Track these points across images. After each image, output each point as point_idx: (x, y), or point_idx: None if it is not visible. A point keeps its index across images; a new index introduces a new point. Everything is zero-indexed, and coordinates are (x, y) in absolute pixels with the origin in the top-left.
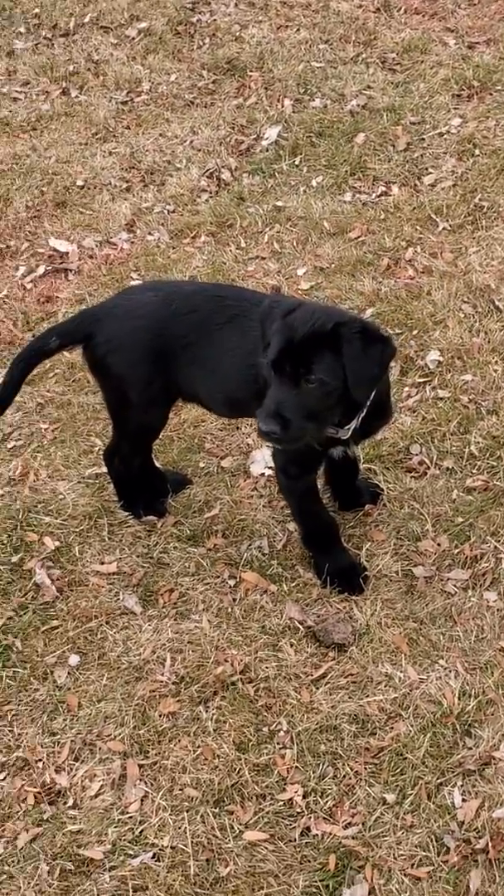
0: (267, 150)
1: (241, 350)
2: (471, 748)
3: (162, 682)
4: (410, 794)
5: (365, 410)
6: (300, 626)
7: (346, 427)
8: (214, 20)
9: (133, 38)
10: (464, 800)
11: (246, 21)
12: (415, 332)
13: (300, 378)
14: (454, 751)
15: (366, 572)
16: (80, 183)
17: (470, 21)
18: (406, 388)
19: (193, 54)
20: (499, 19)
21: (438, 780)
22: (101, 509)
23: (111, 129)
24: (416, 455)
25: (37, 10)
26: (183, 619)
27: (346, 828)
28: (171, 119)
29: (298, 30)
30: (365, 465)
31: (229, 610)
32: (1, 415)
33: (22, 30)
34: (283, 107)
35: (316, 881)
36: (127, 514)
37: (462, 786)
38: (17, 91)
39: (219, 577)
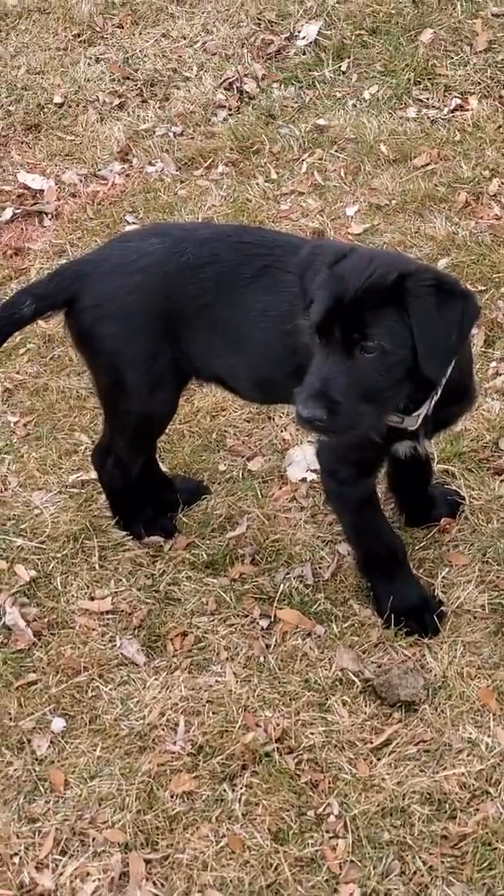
0: (304, 53)
1: (274, 312)
2: None
3: (174, 753)
4: (501, 894)
5: (439, 392)
6: (356, 680)
7: (415, 414)
8: None
9: None
10: None
11: None
12: (502, 290)
13: (354, 346)
14: None
15: (442, 607)
16: (57, 100)
17: None
18: (493, 364)
19: None
20: None
21: None
22: (90, 528)
23: (98, 29)
24: None
25: None
26: (200, 672)
27: None
28: (176, 14)
29: None
30: (440, 465)
31: (261, 659)
32: None
33: None
34: None
35: None
36: (124, 533)
37: None
38: None
39: (247, 616)
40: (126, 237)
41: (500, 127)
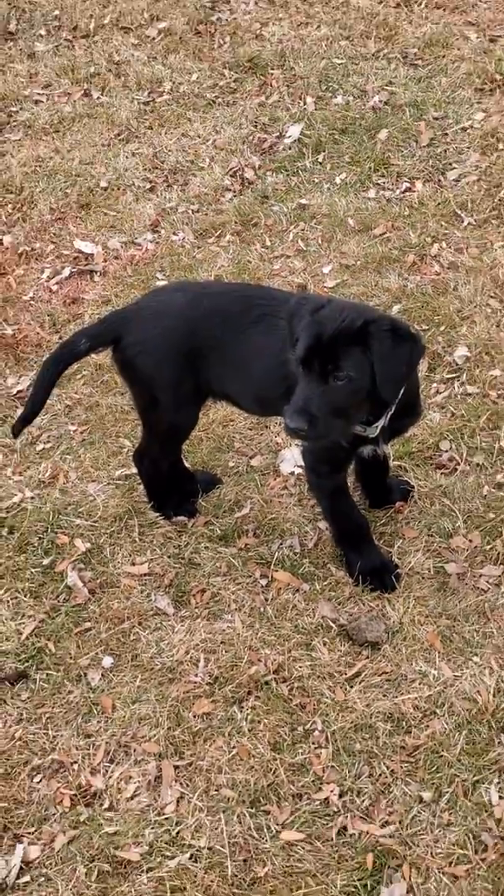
0: (290, 148)
1: (269, 349)
2: None
3: (196, 682)
4: (447, 792)
5: (393, 408)
6: (333, 625)
7: (375, 425)
8: (234, 18)
9: (153, 39)
10: (501, 797)
11: (266, 19)
12: (442, 328)
13: (328, 375)
14: (490, 748)
15: (398, 570)
16: (103, 184)
17: (491, 14)
18: (434, 385)
19: (214, 53)
20: None
21: (475, 778)
22: (132, 510)
23: (133, 130)
24: (446, 452)
25: (57, 13)
26: (215, 620)
27: (382, 826)
28: (193, 118)
29: (319, 27)
30: (395, 462)
31: (261, 609)
32: (33, 419)
33: (42, 32)
34: (305, 104)
35: (354, 880)
36: (157, 514)
37: (499, 783)
38: (38, 93)
39: (250, 576)
40: (157, 292)
41: (438, 204)
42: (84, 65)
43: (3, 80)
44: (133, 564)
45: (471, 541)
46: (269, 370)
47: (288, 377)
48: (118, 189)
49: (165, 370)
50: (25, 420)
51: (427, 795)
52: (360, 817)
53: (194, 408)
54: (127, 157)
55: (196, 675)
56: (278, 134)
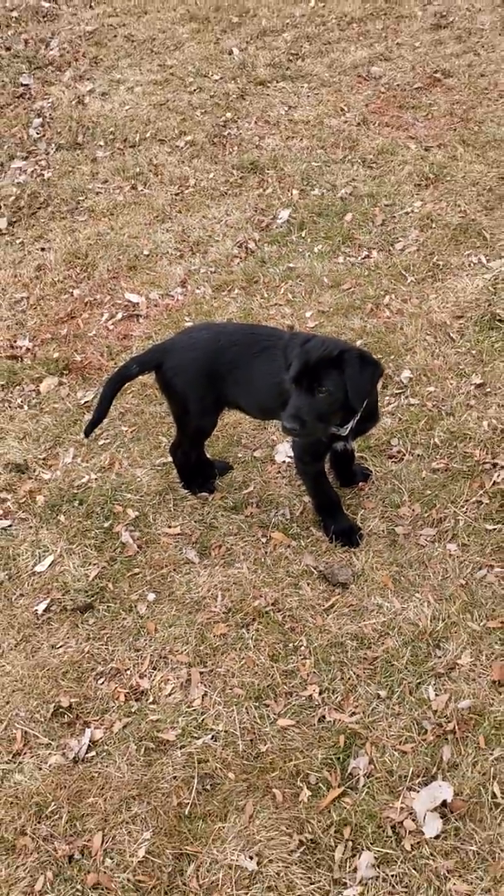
0: (281, 227)
1: (269, 372)
2: (440, 657)
3: (215, 612)
4: (397, 691)
5: (359, 415)
6: (314, 571)
7: (346, 426)
8: (240, 133)
9: (181, 147)
10: (436, 694)
11: (263, 134)
12: (392, 357)
13: (314, 390)
14: (428, 659)
15: (361, 531)
16: (146, 252)
17: (426, 131)
18: (387, 398)
19: (225, 158)
20: (447, 129)
21: (418, 681)
22: (168, 488)
23: (167, 214)
24: (396, 446)
25: (112, 129)
26: (229, 567)
27: (351, 716)
28: (210, 205)
29: (301, 139)
30: (358, 454)
31: (263, 560)
32: (100, 423)
33: (101, 143)
34: (292, 195)
35: (330, 755)
36: (186, 491)
37: (435, 684)
38: (98, 187)
39: (254, 536)
40: (188, 330)
41: (389, 267)
42: (131, 166)
43: (73, 177)
44: (169, 527)
45: (413, 510)
46: (269, 388)
47: (282, 393)
48: (157, 256)
49: (194, 387)
50: (94, 424)
51: (383, 693)
52: (335, 709)
53: (214, 415)
54: (163, 234)
55: (215, 607)
56: (272, 216)
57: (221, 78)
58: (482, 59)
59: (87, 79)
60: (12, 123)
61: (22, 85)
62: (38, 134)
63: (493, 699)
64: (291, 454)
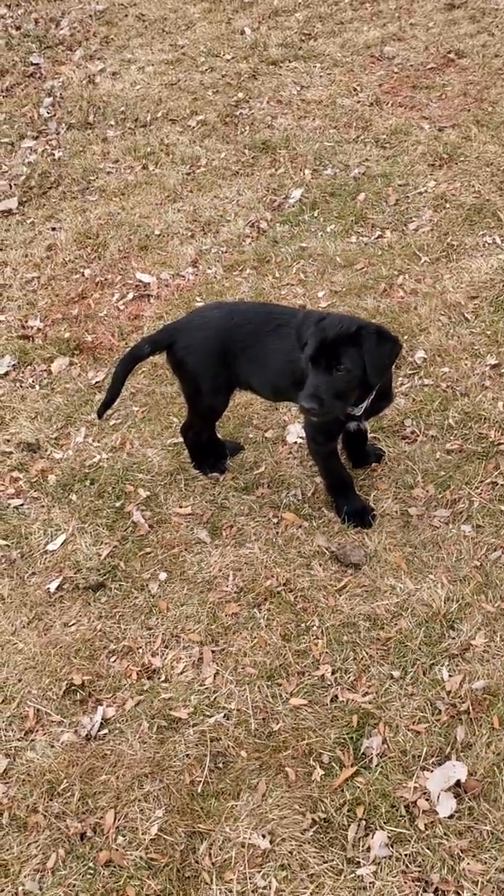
0: (293, 206)
1: (282, 351)
2: (454, 638)
3: (227, 591)
4: (411, 671)
5: (374, 394)
6: (326, 552)
7: (360, 406)
8: (252, 113)
9: (193, 127)
10: (450, 675)
11: (275, 113)
12: (406, 338)
13: (332, 368)
14: (442, 640)
15: (374, 512)
16: (157, 232)
17: (440, 111)
18: (400, 379)
19: (238, 137)
20: (460, 109)
21: (431, 662)
22: (179, 468)
23: (179, 193)
24: (409, 427)
25: (123, 109)
26: (240, 547)
27: (364, 696)
28: (222, 185)
29: (314, 119)
30: (372, 434)
31: (274, 540)
32: (112, 404)
33: (112, 122)
34: (304, 175)
35: (343, 735)
36: (197, 472)
37: (448, 665)
38: (110, 167)
39: (265, 516)
40: (200, 309)
41: (402, 247)
42: (143, 146)
43: (84, 157)
44: (180, 507)
45: (427, 491)
46: (282, 367)
47: (295, 371)
48: (168, 236)
49: (206, 367)
50: (106, 405)
51: (396, 673)
52: (347, 689)
53: (226, 395)
54: (174, 213)
55: (227, 587)
56: (284, 196)
57: (233, 58)
58: (496, 40)
59: (98, 58)
60: (23, 103)
61: (32, 64)
62: (48, 113)
63: None
64: (303, 435)
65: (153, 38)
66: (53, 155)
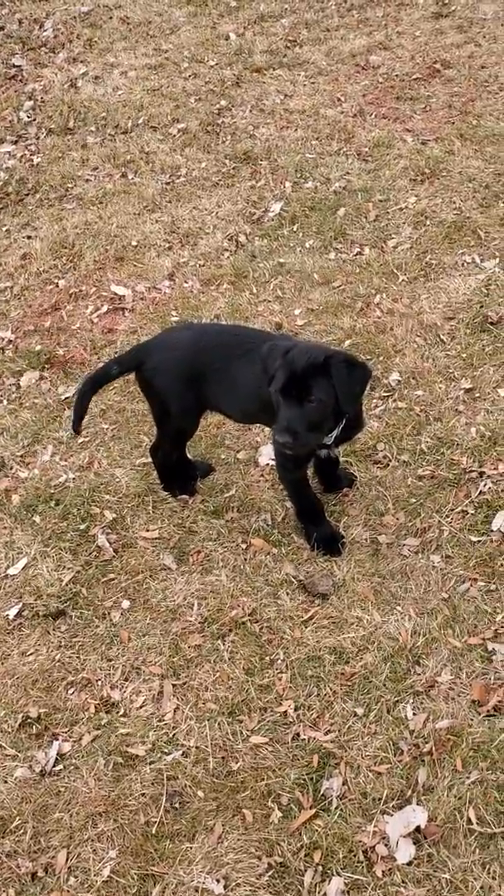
0: (272, 220)
1: (252, 375)
2: (419, 674)
3: (191, 621)
4: (375, 709)
5: (344, 422)
6: (294, 580)
7: (331, 434)
8: (234, 122)
9: (174, 135)
10: (414, 713)
11: (258, 123)
12: (381, 359)
13: (303, 399)
14: (407, 676)
15: (343, 539)
16: (134, 243)
17: (423, 123)
18: (374, 401)
19: (219, 147)
20: (444, 122)
21: (395, 699)
22: (147, 489)
23: (157, 203)
24: (381, 451)
25: (104, 114)
26: (207, 574)
27: (326, 734)
28: (201, 196)
29: (296, 129)
30: (343, 458)
31: (242, 567)
32: (81, 422)
33: (93, 128)
34: (284, 187)
35: (303, 775)
36: (166, 493)
37: (413, 703)
38: (88, 174)
39: (234, 542)
40: (170, 329)
41: (381, 265)
42: (122, 153)
43: (63, 163)
44: (147, 531)
45: (398, 519)
46: (252, 391)
47: (264, 396)
48: (145, 247)
49: (175, 388)
50: (78, 419)
51: (360, 711)
52: (310, 726)
53: (196, 416)
54: (152, 224)
55: (191, 616)
56: (264, 209)
57: (217, 64)
58: (483, 51)
59: (81, 61)
60: (3, 106)
61: (14, 66)
62: (28, 117)
63: (471, 719)
64: (275, 457)
65: (137, 41)
66: (32, 160)
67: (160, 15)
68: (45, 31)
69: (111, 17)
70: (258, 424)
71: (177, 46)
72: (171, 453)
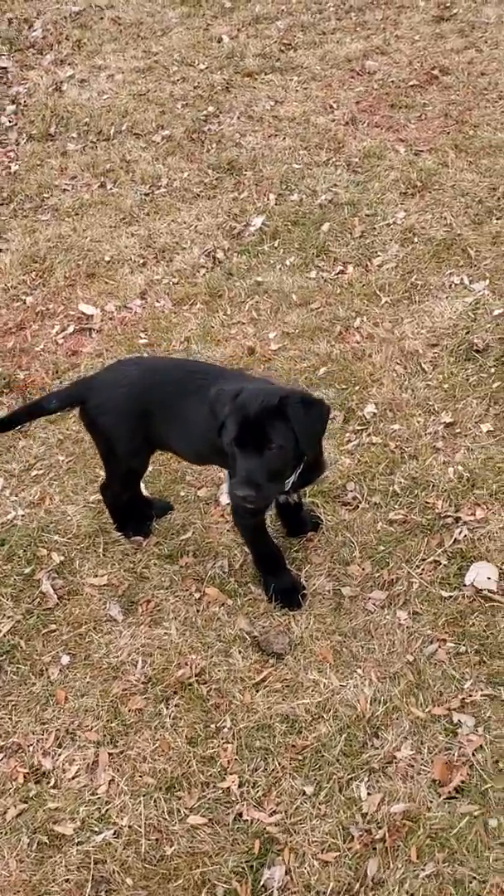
0: (253, 235)
1: (204, 414)
2: (377, 748)
3: (133, 681)
4: (325, 788)
5: (302, 466)
6: (247, 637)
7: (288, 480)
8: (221, 129)
9: (158, 143)
10: (368, 794)
11: (245, 130)
12: (357, 388)
13: (262, 447)
14: (363, 750)
15: (304, 591)
16: (107, 258)
17: (417, 133)
18: (347, 434)
19: (203, 156)
20: (440, 132)
21: (349, 776)
22: (100, 530)
23: (135, 216)
24: (351, 491)
25: (87, 120)
26: (156, 626)
27: (271, 815)
28: (181, 208)
29: (284, 138)
30: (310, 498)
31: (193, 619)
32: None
33: (74, 134)
34: (268, 200)
35: (242, 863)
36: (119, 534)
37: (368, 781)
38: (66, 183)
39: (187, 590)
40: (116, 364)
41: (363, 285)
42: (103, 162)
43: (42, 171)
44: (95, 576)
45: (364, 569)
46: (204, 432)
47: (214, 441)
48: (118, 263)
49: (121, 427)
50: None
51: (309, 790)
52: (254, 806)
53: (144, 457)
54: (128, 238)
55: (134, 675)
56: (245, 223)
57: (207, 68)
58: (484, 56)
59: (68, 63)
60: None
61: (0, 68)
62: (10, 122)
63: (430, 802)
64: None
65: (127, 43)
66: (10, 168)
67: (152, 16)
68: (34, 31)
69: (102, 18)
70: (213, 465)
71: (167, 49)
72: (120, 494)
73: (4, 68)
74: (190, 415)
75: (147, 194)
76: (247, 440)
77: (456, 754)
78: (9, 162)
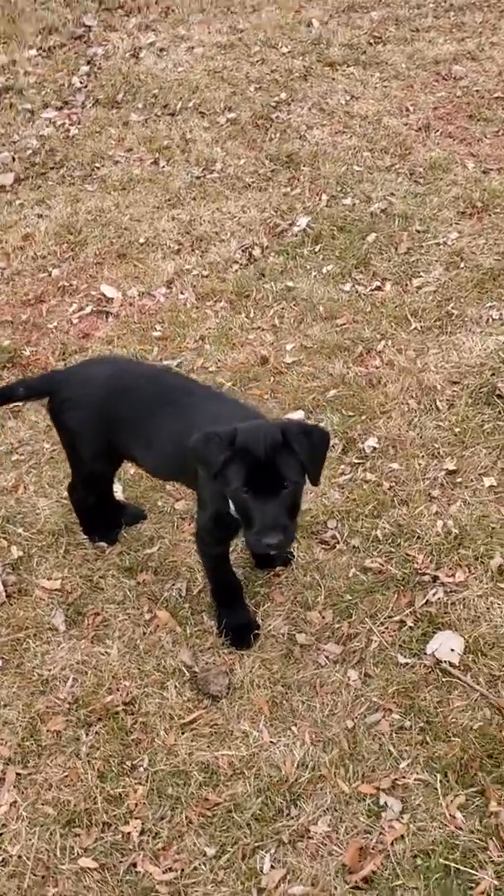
0: (296, 236)
1: (175, 433)
2: (292, 818)
3: (59, 700)
4: (228, 852)
5: None
6: (187, 672)
7: None
8: (289, 118)
9: (221, 124)
10: (272, 867)
11: (313, 123)
12: (363, 418)
13: (277, 488)
14: (278, 818)
15: (258, 630)
16: (142, 240)
17: (490, 149)
18: (342, 466)
19: (263, 144)
20: None
21: (256, 843)
22: (65, 529)
23: (181, 198)
24: (331, 530)
25: (156, 91)
26: (97, 643)
27: (165, 872)
28: (229, 196)
29: (351, 136)
30: None
31: (137, 643)
32: None
33: (140, 105)
34: (319, 200)
35: None
36: (84, 536)
37: (274, 853)
38: (120, 155)
39: (139, 609)
40: (89, 362)
41: (396, 306)
42: (162, 137)
43: (99, 139)
44: (49, 579)
45: (324, 617)
46: (173, 451)
47: (187, 459)
48: (152, 246)
49: (85, 429)
50: None
51: (211, 851)
52: (150, 858)
53: (108, 463)
54: (168, 221)
55: (61, 693)
56: (291, 222)
57: (290, 52)
58: None
59: (152, 30)
60: (59, 67)
61: (83, 25)
62: (81, 83)
63: (334, 889)
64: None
65: (214, 16)
66: (69, 132)
67: None
68: None
69: None
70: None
71: (254, 27)
72: (85, 497)
73: (89, 27)
74: (160, 431)
75: (198, 177)
76: (260, 483)
77: (374, 840)
78: (70, 125)
